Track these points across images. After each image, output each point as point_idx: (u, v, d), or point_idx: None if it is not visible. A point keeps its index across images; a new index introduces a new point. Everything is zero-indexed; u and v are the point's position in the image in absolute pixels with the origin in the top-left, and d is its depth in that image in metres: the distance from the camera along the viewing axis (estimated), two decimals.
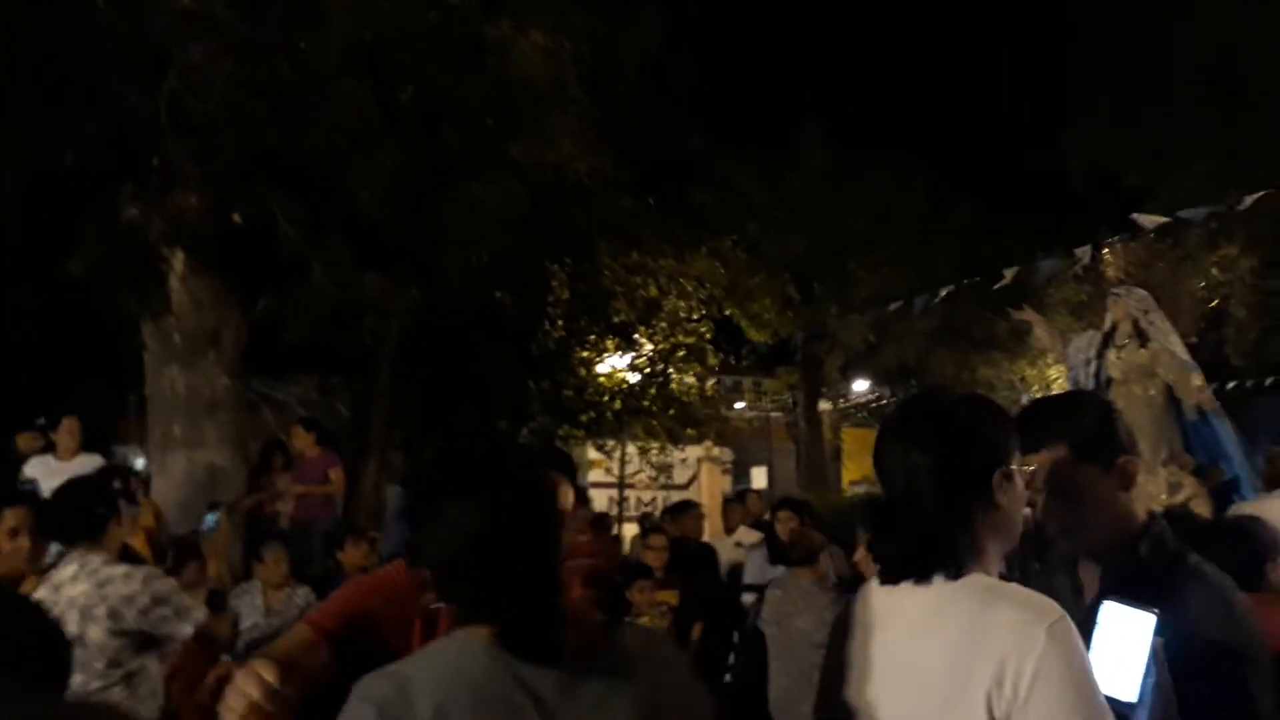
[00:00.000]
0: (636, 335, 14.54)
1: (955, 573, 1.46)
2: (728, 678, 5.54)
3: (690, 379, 15.31)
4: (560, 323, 13.42)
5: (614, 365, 14.55)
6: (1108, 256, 8.28)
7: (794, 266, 18.51)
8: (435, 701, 1.31)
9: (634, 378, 14.75)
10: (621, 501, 15.16)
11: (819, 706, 1.65)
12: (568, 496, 1.84)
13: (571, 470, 1.92)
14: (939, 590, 1.46)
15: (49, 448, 6.52)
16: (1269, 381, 14.69)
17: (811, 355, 19.17)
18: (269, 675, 1.49)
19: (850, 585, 4.66)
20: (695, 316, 14.96)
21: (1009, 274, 9.00)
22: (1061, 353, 6.92)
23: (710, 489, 15.54)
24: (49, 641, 1.70)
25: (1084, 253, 8.43)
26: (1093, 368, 6.37)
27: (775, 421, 22.32)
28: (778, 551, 6.67)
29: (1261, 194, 7.87)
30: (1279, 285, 12.79)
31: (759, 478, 21.05)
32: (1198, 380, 6.21)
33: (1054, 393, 5.51)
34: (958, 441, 1.51)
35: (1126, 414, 6.00)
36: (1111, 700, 1.42)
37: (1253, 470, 6.09)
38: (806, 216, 17.79)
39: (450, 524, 1.41)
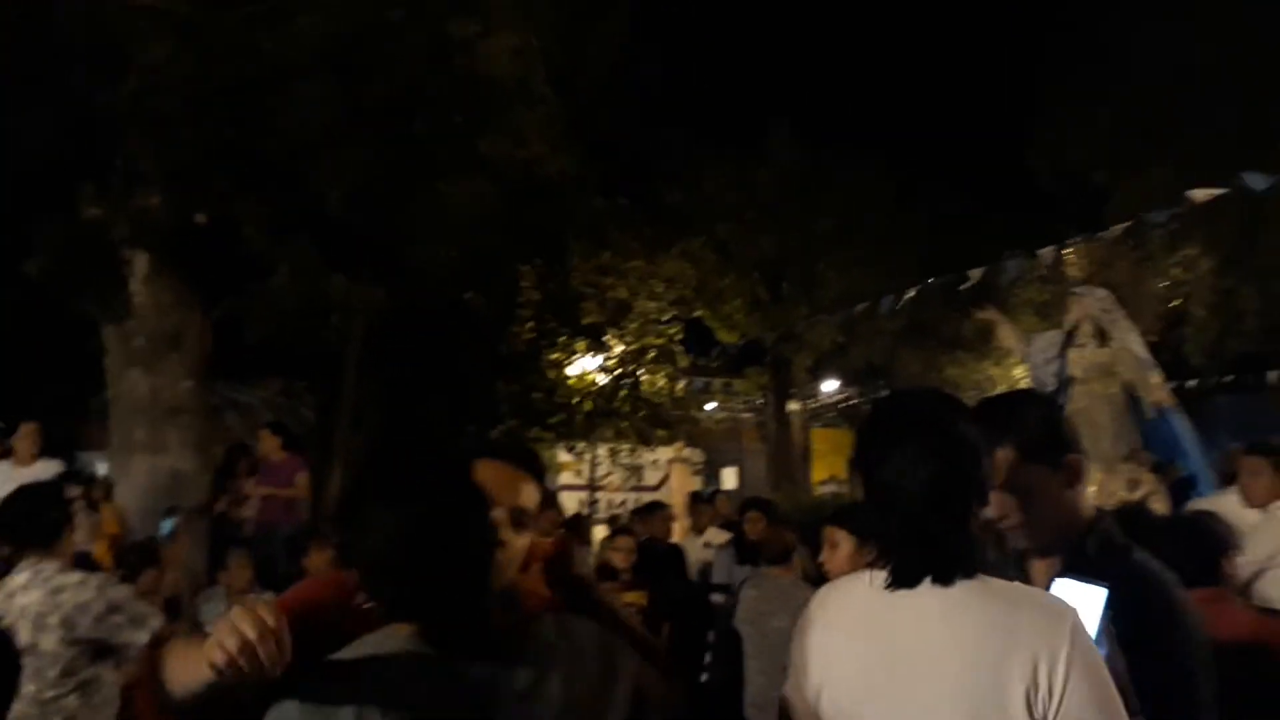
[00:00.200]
0: (606, 337, 14.52)
1: (971, 573, 1.50)
2: (704, 677, 5.55)
3: (661, 380, 15.32)
4: (530, 324, 13.38)
5: (584, 367, 14.53)
6: (1070, 257, 8.38)
7: (763, 267, 18.58)
8: (355, 708, 1.33)
9: (604, 379, 14.74)
10: (592, 504, 15.14)
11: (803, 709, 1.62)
12: (531, 494, 1.80)
13: (536, 467, 1.87)
14: (958, 592, 1.48)
15: (8, 454, 6.42)
16: (1228, 380, 14.96)
17: (780, 356, 19.24)
18: (270, 618, 1.31)
19: (819, 585, 4.67)
20: (665, 318, 14.97)
21: (974, 275, 9.09)
22: (1024, 352, 7.01)
23: (681, 490, 15.55)
24: None
25: (1048, 253, 8.54)
26: (1054, 367, 6.45)
27: (745, 422, 22.37)
28: (746, 551, 6.70)
29: (1218, 193, 8.00)
30: (1238, 285, 13.00)
31: (730, 478, 21.09)
32: (1156, 379, 6.31)
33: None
34: (968, 445, 1.55)
35: (1087, 412, 6.09)
36: None
37: (1210, 467, 6.18)
38: (775, 216, 17.86)
39: (376, 527, 1.42)
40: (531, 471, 1.83)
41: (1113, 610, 1.55)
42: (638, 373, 14.99)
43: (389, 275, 8.02)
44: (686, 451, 18.77)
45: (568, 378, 14.31)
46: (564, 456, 15.87)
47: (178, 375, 7.68)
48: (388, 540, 1.41)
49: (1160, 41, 12.02)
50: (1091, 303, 6.48)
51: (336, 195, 7.18)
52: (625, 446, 15.44)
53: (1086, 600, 1.56)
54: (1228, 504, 4.59)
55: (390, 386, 9.42)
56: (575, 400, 14.27)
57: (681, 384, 16.26)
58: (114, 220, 7.40)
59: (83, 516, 4.90)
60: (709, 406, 21.45)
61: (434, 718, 1.37)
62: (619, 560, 6.46)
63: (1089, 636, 1.45)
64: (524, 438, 13.17)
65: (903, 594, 1.52)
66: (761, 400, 20.90)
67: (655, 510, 8.60)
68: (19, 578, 3.18)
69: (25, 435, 6.47)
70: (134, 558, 5.00)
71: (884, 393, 18.97)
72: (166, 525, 6.12)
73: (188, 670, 1.40)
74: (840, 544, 3.84)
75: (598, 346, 14.49)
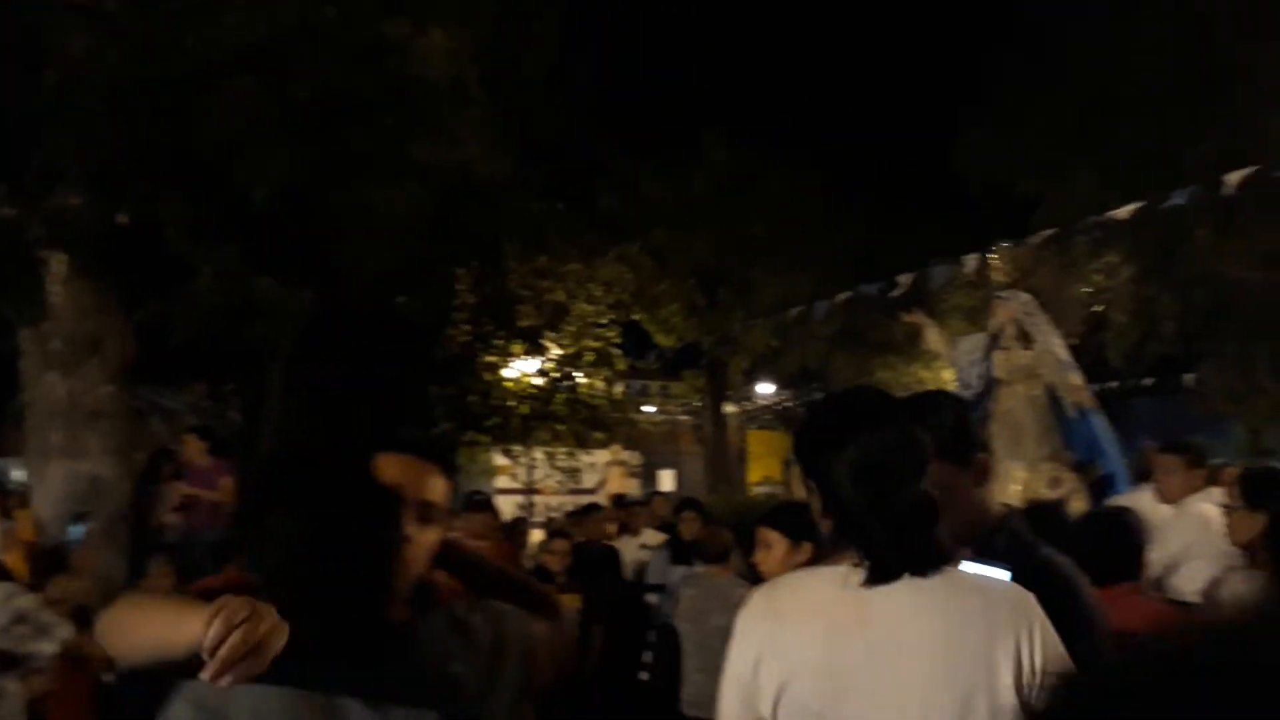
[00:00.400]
0: (543, 340, 14.48)
1: (942, 564, 1.53)
2: (644, 676, 5.57)
3: (598, 383, 15.32)
4: (465, 327, 13.27)
5: (521, 370, 14.46)
6: (996, 262, 8.60)
7: (699, 272, 18.71)
8: (252, 704, 1.31)
9: (541, 382, 14.69)
10: (529, 507, 15.07)
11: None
12: (439, 488, 1.76)
13: (446, 459, 1.83)
14: (933, 583, 1.51)
15: None
16: (1147, 383, 15.46)
17: (717, 359, 19.38)
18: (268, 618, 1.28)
19: (755, 584, 4.72)
20: (603, 321, 14.98)
21: (904, 280, 9.28)
22: (951, 355, 7.16)
23: (619, 492, 15.57)
24: None
25: (974, 260, 8.75)
26: (979, 369, 6.59)
27: (683, 425, 22.48)
28: (680, 552, 6.74)
29: (1140, 204, 8.28)
30: (1158, 293, 13.42)
31: (667, 480, 21.17)
32: (1077, 380, 6.48)
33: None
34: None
35: (1011, 413, 6.21)
36: None
37: (1128, 466, 6.37)
38: (710, 220, 18.00)
39: (272, 533, 1.40)
40: (440, 464, 1.78)
41: None
42: (575, 375, 14.97)
43: (317, 277, 7.89)
44: (624, 454, 18.79)
45: (504, 380, 14.24)
46: (500, 460, 15.78)
47: (97, 379, 7.47)
48: (284, 548, 1.39)
49: (1088, 52, 12.37)
50: (1015, 307, 6.64)
51: (262, 196, 7.04)
52: (562, 449, 15.40)
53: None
54: (1142, 501, 4.75)
55: (320, 390, 9.25)
56: (512, 403, 14.19)
57: (619, 387, 16.28)
58: (29, 221, 7.17)
59: None
60: (647, 409, 21.52)
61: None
62: (554, 563, 6.45)
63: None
64: (459, 441, 13.06)
65: (878, 589, 1.51)
66: (699, 403, 21.02)
67: (590, 513, 8.61)
68: None
69: None
70: (43, 564, 4.84)
71: (819, 395, 19.25)
72: (77, 531, 5.92)
73: (142, 632, 1.36)
74: (774, 545, 3.88)
75: (535, 349, 14.44)
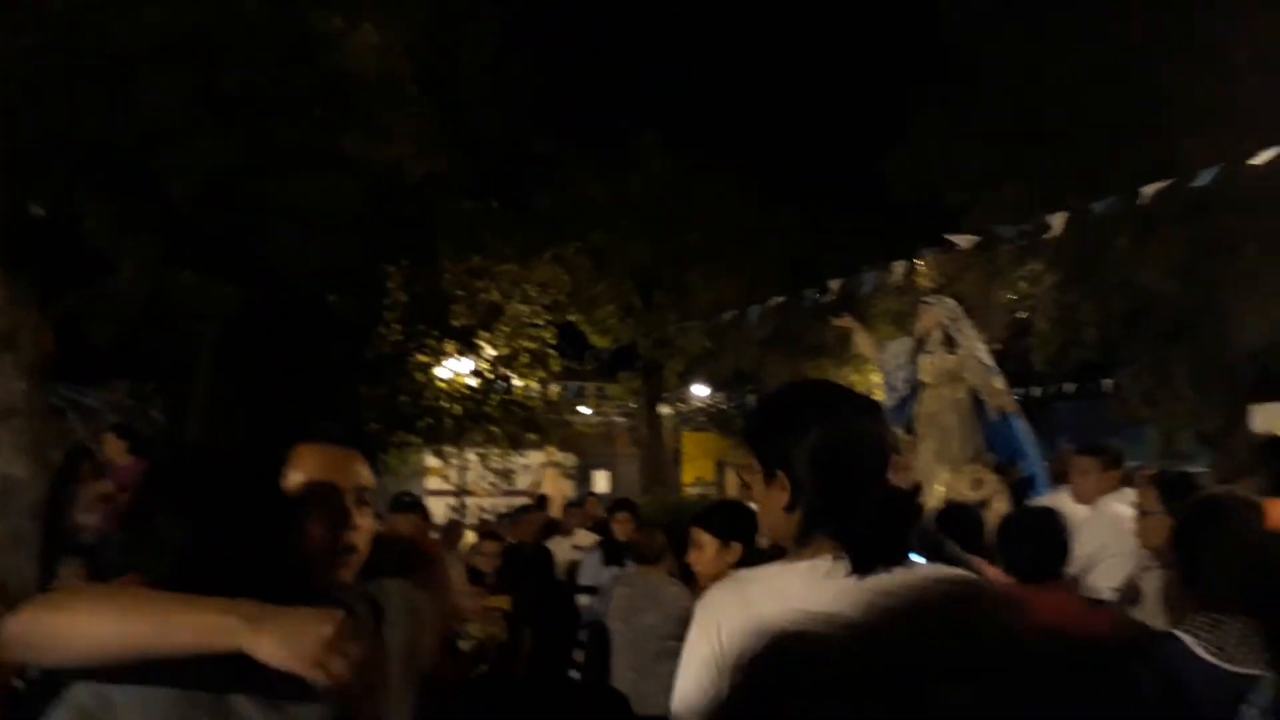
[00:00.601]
0: (478, 339, 14.35)
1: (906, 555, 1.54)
2: (574, 674, 5.56)
3: (534, 384, 15.24)
4: (397, 326, 13.08)
5: (454, 370, 14.31)
6: (923, 269, 8.78)
7: (636, 274, 18.76)
8: (139, 707, 1.27)
9: (475, 382, 14.55)
10: (461, 509, 14.95)
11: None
12: (366, 473, 1.76)
13: (364, 446, 1.83)
14: (907, 575, 1.50)
15: None
16: (1069, 388, 15.91)
17: (653, 361, 19.45)
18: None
19: (687, 583, 4.75)
20: (539, 322, 14.91)
21: (834, 285, 9.43)
22: (879, 358, 7.27)
23: (553, 494, 15.52)
24: None
25: (902, 266, 8.92)
26: (905, 372, 6.71)
27: (618, 426, 22.51)
28: (613, 552, 6.74)
29: (1068, 214, 8.52)
30: (1080, 300, 13.80)
31: (602, 481, 21.19)
32: (999, 384, 6.63)
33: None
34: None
35: (936, 415, 6.32)
36: None
37: (1048, 468, 6.54)
38: (648, 223, 18.07)
39: (159, 536, 1.37)
40: (360, 450, 1.78)
41: None
42: (510, 377, 14.87)
43: (243, 274, 7.71)
44: (559, 455, 18.74)
45: (436, 381, 14.07)
46: (432, 461, 15.60)
47: (10, 376, 7.21)
48: (172, 552, 1.35)
49: (1015, 68, 12.69)
50: (940, 311, 6.76)
51: (186, 189, 6.86)
52: (496, 451, 15.28)
53: None
54: (1060, 502, 4.87)
55: (247, 389, 9.05)
56: (444, 404, 14.04)
57: (555, 388, 16.23)
58: None
59: None
60: (583, 410, 21.49)
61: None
62: (484, 564, 6.40)
63: None
64: (389, 442, 12.88)
65: (857, 581, 1.49)
66: (634, 405, 21.07)
67: (523, 514, 8.58)
68: None
69: None
70: None
71: (752, 398, 19.45)
72: None
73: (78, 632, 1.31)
74: (705, 545, 3.90)
75: (468, 350, 14.30)
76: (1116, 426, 13.30)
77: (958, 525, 3.54)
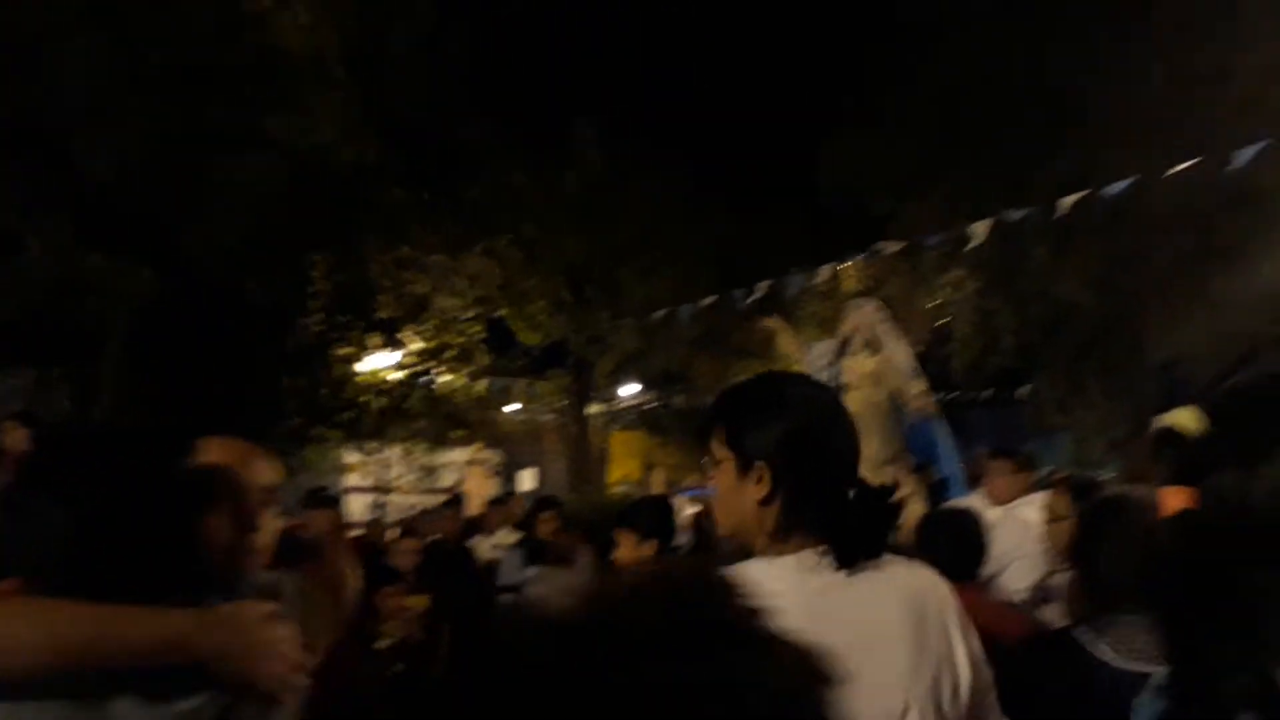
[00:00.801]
0: (403, 333, 14.09)
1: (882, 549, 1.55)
2: None
3: (460, 380, 15.04)
4: (319, 316, 12.76)
5: (377, 363, 14.03)
6: (849, 272, 8.92)
7: (568, 270, 18.62)
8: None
9: (399, 375, 14.30)
10: (382, 506, 14.68)
11: None
12: (271, 470, 1.71)
13: (272, 441, 1.79)
14: (888, 567, 1.51)
15: None
16: (987, 393, 16.30)
17: (583, 359, 19.35)
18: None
19: None
20: (468, 316, 14.71)
21: (761, 287, 9.52)
22: (804, 359, 7.36)
23: (472, 492, 15.36)
24: None
25: (827, 270, 9.04)
26: (829, 374, 6.80)
27: (546, 424, 22.33)
28: (536, 552, 6.68)
29: (992, 221, 8.72)
30: (999, 307, 14.14)
31: (528, 479, 20.99)
32: (918, 387, 6.76)
33: None
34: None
35: (858, 417, 6.39)
36: None
37: (964, 471, 6.69)
38: (581, 218, 17.97)
39: (37, 524, 1.32)
40: (266, 445, 1.75)
41: None
42: (435, 371, 14.65)
43: (158, 257, 7.45)
44: (485, 453, 18.54)
45: (358, 374, 13.78)
46: (351, 457, 15.30)
47: None
48: (50, 541, 1.28)
49: (941, 80, 12.95)
50: (863, 315, 6.87)
51: (98, 166, 6.60)
52: (419, 447, 15.05)
53: None
54: (974, 504, 4.97)
55: (159, 377, 8.75)
56: (366, 398, 13.76)
57: (482, 384, 16.04)
58: None
59: None
60: (511, 407, 21.28)
61: None
62: (403, 562, 6.29)
63: None
64: (308, 436, 12.58)
65: (844, 574, 1.48)
66: (565, 402, 20.92)
67: (440, 512, 8.46)
68: None
69: None
70: None
71: (680, 397, 19.50)
72: None
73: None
74: (622, 541, 3.92)
75: (393, 343, 14.05)
76: (1031, 433, 13.67)
77: None
